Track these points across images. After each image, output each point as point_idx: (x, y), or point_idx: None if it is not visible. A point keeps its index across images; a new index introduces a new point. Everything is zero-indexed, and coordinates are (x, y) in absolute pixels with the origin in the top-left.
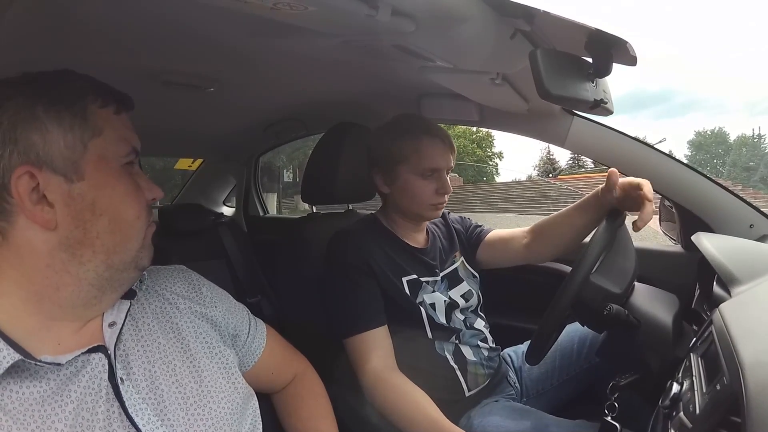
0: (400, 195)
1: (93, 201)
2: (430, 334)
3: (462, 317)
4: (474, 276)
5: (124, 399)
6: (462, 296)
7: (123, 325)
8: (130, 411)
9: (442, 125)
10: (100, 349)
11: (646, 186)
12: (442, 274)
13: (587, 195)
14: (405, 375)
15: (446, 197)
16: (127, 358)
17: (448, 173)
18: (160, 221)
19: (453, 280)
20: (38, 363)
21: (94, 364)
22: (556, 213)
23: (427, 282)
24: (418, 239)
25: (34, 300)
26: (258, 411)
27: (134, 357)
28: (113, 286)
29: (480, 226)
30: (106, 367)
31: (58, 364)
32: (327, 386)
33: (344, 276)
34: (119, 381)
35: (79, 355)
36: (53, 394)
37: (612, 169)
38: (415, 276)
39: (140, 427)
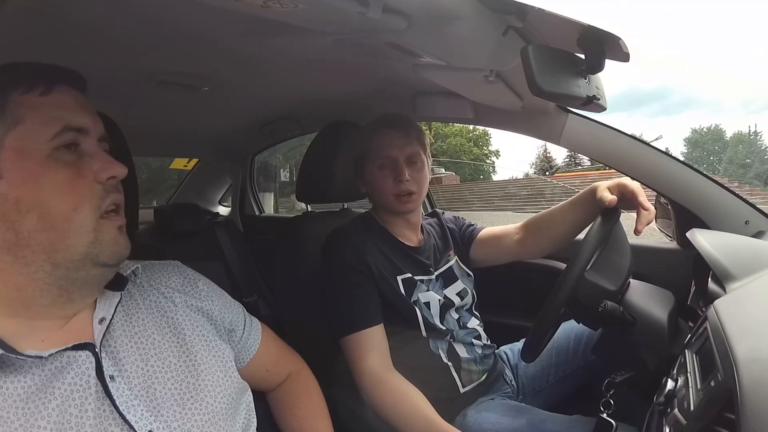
0: (370, 191)
1: (17, 199)
2: (424, 333)
3: (456, 316)
4: (468, 275)
5: (114, 397)
6: (457, 294)
7: (112, 320)
8: (120, 408)
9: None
10: (88, 346)
11: (641, 193)
12: (436, 273)
13: (582, 191)
14: (400, 372)
15: (407, 186)
16: (118, 354)
17: (416, 165)
18: (155, 221)
19: (448, 278)
20: (19, 357)
21: (81, 362)
22: (550, 209)
23: (422, 281)
24: (411, 238)
25: (5, 302)
26: (252, 405)
27: (127, 353)
28: (77, 285)
29: (473, 224)
30: (94, 364)
31: (40, 357)
32: (323, 385)
33: (342, 275)
34: (108, 378)
35: (63, 351)
36: (37, 391)
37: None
38: (409, 275)
39: (132, 423)
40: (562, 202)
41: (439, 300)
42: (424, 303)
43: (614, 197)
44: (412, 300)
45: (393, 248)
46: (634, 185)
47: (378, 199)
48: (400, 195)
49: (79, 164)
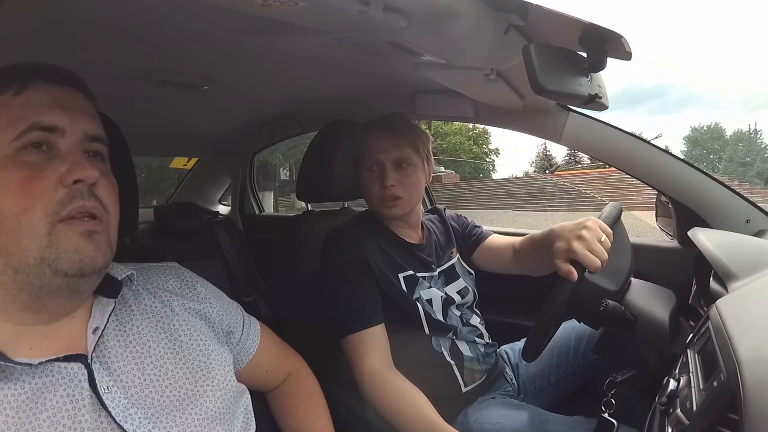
0: (362, 191)
1: None
2: (427, 330)
3: (458, 313)
4: (470, 273)
5: (110, 408)
6: (458, 292)
7: (105, 329)
8: (117, 419)
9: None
10: (80, 358)
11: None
12: (438, 270)
13: (541, 235)
14: (402, 371)
15: (392, 192)
16: (112, 364)
17: (404, 170)
18: (155, 221)
19: (449, 276)
20: (9, 364)
21: (73, 374)
22: (530, 237)
23: (424, 277)
24: (412, 235)
25: None
26: (251, 407)
27: (122, 362)
28: (45, 293)
29: (478, 226)
30: (86, 376)
31: (30, 365)
32: (323, 384)
33: (341, 274)
34: (103, 390)
35: (54, 361)
36: (27, 401)
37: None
38: (411, 272)
39: None
40: (528, 235)
41: (441, 297)
42: (426, 300)
43: (572, 271)
44: (414, 297)
45: (394, 245)
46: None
47: (367, 201)
48: (384, 200)
49: (43, 165)
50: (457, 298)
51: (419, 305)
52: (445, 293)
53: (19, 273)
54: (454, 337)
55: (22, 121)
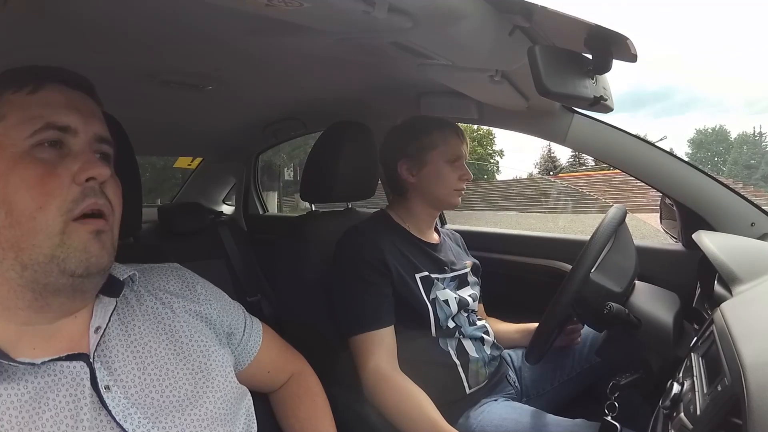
0: (427, 181)
1: None
2: (434, 332)
3: (465, 314)
4: (477, 283)
5: (110, 407)
6: (470, 296)
7: (106, 328)
8: (117, 418)
9: None
10: (82, 357)
11: None
12: (452, 274)
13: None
14: (407, 369)
15: (465, 185)
16: (113, 363)
17: None
18: (159, 220)
19: (462, 281)
20: (12, 363)
21: (76, 373)
22: (500, 329)
23: (437, 279)
24: (428, 235)
25: None
26: (252, 409)
27: (123, 362)
28: (50, 291)
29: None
30: (88, 375)
31: (33, 364)
32: (326, 386)
33: (356, 274)
34: (104, 389)
35: (56, 360)
36: (30, 400)
37: None
38: (426, 272)
39: None
40: (511, 328)
41: (456, 298)
42: (443, 301)
43: None
44: (430, 298)
45: (410, 245)
46: None
47: (436, 190)
48: (459, 190)
49: (57, 163)
50: (470, 301)
51: (431, 307)
52: (459, 296)
53: (27, 269)
54: (461, 337)
55: (37, 120)
